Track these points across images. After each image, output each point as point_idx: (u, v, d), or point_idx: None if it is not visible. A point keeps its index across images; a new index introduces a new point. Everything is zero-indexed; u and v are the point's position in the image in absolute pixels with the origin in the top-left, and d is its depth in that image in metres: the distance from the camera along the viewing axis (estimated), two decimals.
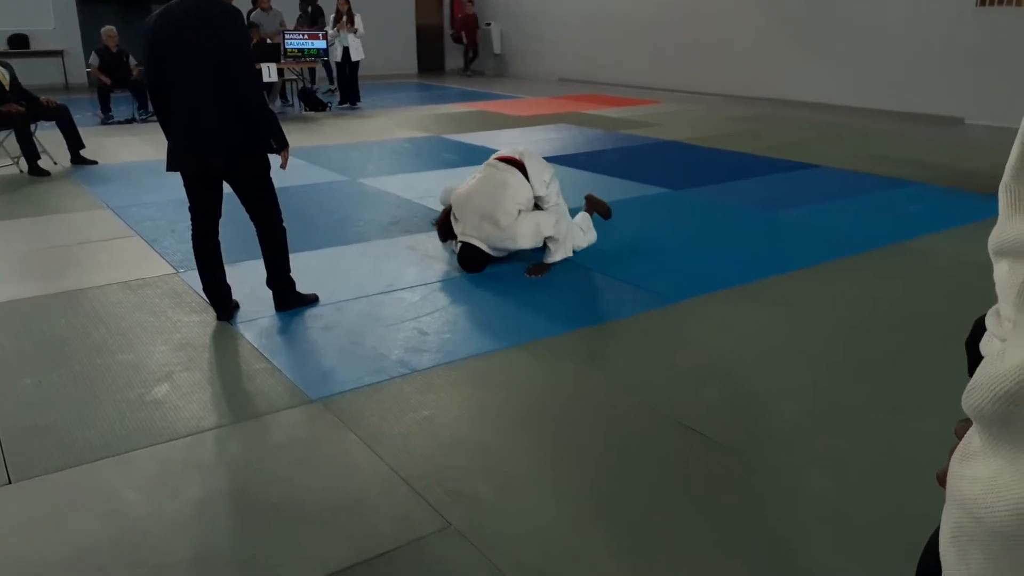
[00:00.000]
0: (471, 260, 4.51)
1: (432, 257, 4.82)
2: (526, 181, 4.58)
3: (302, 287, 4.03)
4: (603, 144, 8.98)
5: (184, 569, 2.14)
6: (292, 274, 3.95)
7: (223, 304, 3.86)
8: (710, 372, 3.32)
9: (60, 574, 2.13)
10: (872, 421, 2.91)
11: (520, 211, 4.48)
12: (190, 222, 3.78)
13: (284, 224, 3.84)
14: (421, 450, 2.73)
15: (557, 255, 4.55)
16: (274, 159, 3.71)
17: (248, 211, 3.76)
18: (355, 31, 11.95)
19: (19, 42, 14.33)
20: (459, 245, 4.55)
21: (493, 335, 3.71)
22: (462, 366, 3.38)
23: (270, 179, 3.72)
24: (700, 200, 6.31)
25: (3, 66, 7.48)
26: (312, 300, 4.04)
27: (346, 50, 11.99)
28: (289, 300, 3.95)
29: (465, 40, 17.67)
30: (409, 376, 3.27)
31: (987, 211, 5.47)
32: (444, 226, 4.83)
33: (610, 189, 6.56)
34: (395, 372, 3.30)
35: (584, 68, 16.22)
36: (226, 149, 3.53)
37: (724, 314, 3.96)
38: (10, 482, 2.55)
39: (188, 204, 3.75)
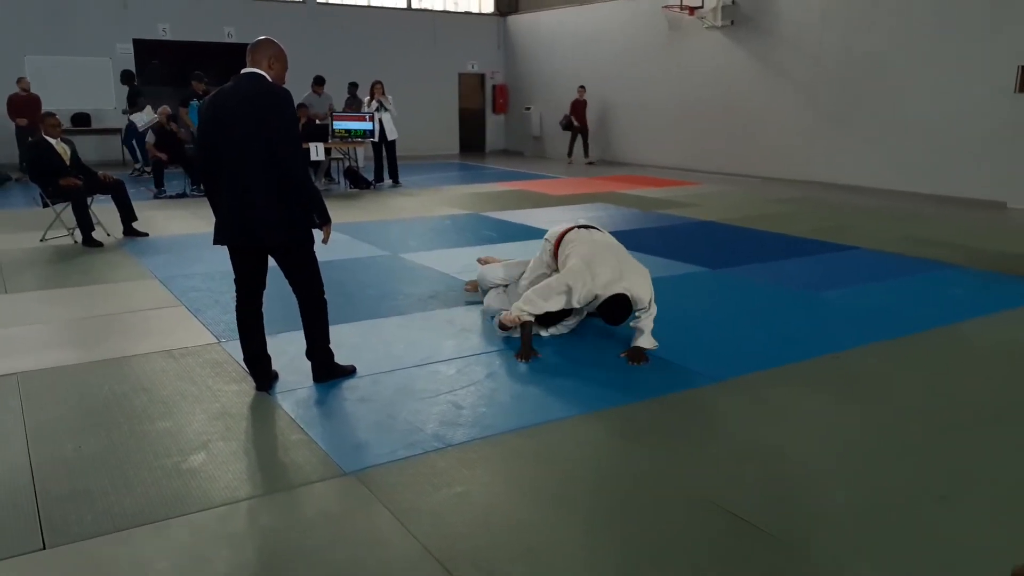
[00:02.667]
0: (622, 310, 4.30)
1: (468, 331, 4.84)
2: None
3: (341, 358, 4.06)
4: (640, 223, 9.04)
5: None
6: (331, 346, 3.98)
7: (263, 374, 3.91)
8: (750, 454, 3.24)
9: None
10: (917, 510, 2.80)
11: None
12: (235, 292, 3.86)
13: (325, 297, 3.91)
14: (454, 527, 2.68)
15: (652, 339, 4.39)
16: (317, 234, 3.80)
17: (290, 283, 3.84)
18: (389, 105, 12.34)
19: (82, 120, 15.05)
20: (608, 297, 4.28)
21: (528, 411, 3.68)
22: (497, 441, 3.34)
23: (313, 253, 3.81)
24: (738, 279, 6.28)
25: (65, 142, 7.85)
26: (350, 372, 4.07)
27: (382, 131, 12.38)
28: (326, 372, 3.98)
29: (577, 123, 16.59)
30: (443, 450, 3.24)
31: None
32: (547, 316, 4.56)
33: (646, 266, 6.56)
34: (429, 446, 3.28)
35: (622, 150, 16.49)
36: (272, 224, 3.62)
37: (764, 395, 3.89)
38: (44, 547, 2.55)
39: (233, 276, 3.84)
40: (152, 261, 6.78)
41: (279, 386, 3.92)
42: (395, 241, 7.84)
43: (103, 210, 8.00)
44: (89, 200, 7.67)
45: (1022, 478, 3.05)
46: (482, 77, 20.07)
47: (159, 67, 17.26)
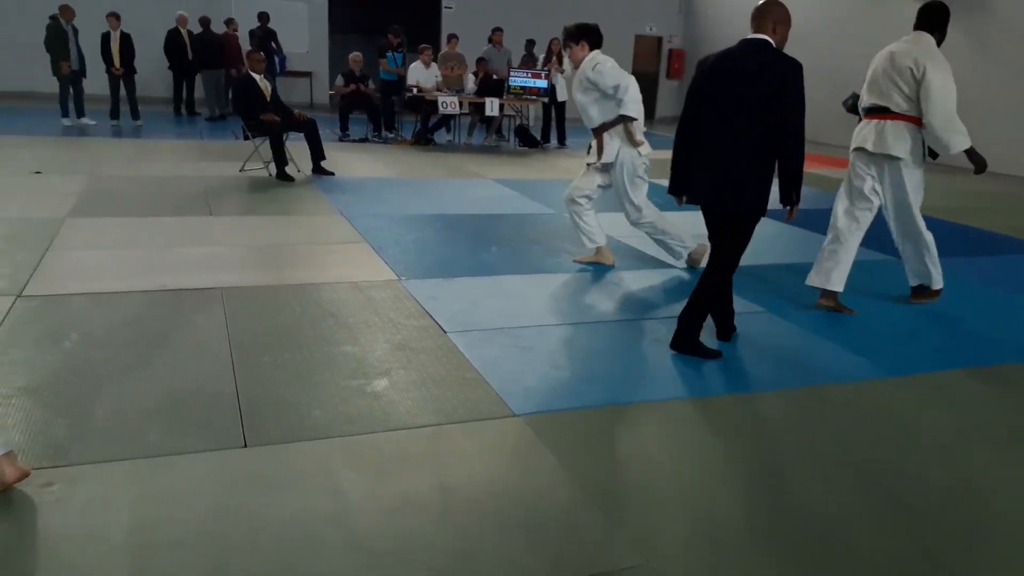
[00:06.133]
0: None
1: (633, 293, 4.83)
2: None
3: (508, 307, 4.17)
4: (819, 203, 8.60)
5: (390, 559, 2.26)
6: (503, 295, 4.08)
7: (722, 326, 4.10)
8: (928, 451, 3.07)
9: (284, 533, 2.33)
10: None
11: None
12: None
13: (726, 276, 3.87)
14: (617, 481, 2.73)
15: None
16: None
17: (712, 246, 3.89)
18: (563, 71, 12.31)
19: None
20: None
21: (694, 379, 3.65)
22: (662, 406, 3.35)
23: (750, 232, 3.79)
24: None
25: (267, 79, 8.42)
26: (714, 355, 3.87)
27: (553, 91, 12.34)
28: (684, 344, 3.87)
29: None
30: (609, 407, 3.29)
31: None
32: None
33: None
34: (594, 401, 3.33)
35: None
36: (735, 192, 3.63)
37: (948, 394, 3.65)
38: (246, 445, 2.83)
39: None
40: (338, 199, 7.19)
41: (454, 326, 4.08)
42: (561, 200, 7.87)
43: (294, 147, 8.55)
44: (284, 136, 8.22)
45: None
46: (659, 40, 19.60)
47: (351, 15, 18.05)
